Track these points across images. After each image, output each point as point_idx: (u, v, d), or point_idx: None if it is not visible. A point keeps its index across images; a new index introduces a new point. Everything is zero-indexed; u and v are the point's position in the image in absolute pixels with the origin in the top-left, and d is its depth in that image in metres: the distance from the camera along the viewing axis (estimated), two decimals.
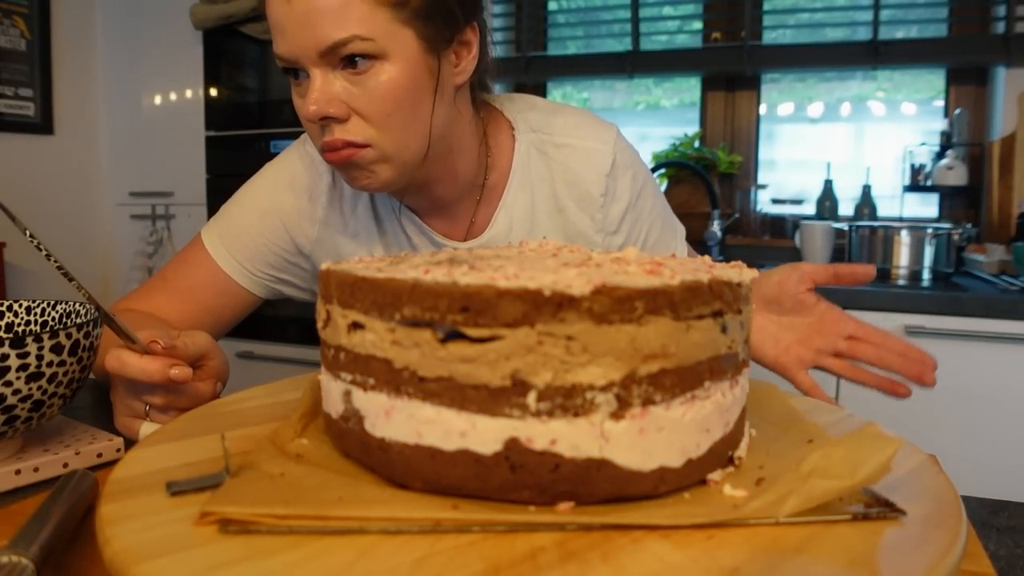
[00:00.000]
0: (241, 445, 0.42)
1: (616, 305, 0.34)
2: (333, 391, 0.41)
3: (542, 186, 0.84)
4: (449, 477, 0.35)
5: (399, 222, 0.85)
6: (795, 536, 0.33)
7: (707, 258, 0.48)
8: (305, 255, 0.86)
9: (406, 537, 0.32)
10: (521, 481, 0.34)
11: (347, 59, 0.67)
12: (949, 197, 2.22)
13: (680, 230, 0.94)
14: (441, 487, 0.36)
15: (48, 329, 0.52)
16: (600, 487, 0.35)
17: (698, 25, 2.38)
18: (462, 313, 0.34)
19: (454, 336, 0.34)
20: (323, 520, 0.32)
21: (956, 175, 2.11)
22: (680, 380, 0.36)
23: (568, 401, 0.34)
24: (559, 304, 0.33)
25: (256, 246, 0.85)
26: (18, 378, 0.49)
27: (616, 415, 0.34)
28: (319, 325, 0.43)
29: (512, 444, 0.34)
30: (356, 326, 0.38)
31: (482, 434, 0.34)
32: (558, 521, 0.33)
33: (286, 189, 0.85)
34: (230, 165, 2.34)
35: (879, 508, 0.35)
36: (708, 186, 2.23)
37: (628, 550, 0.31)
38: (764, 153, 2.43)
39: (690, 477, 0.37)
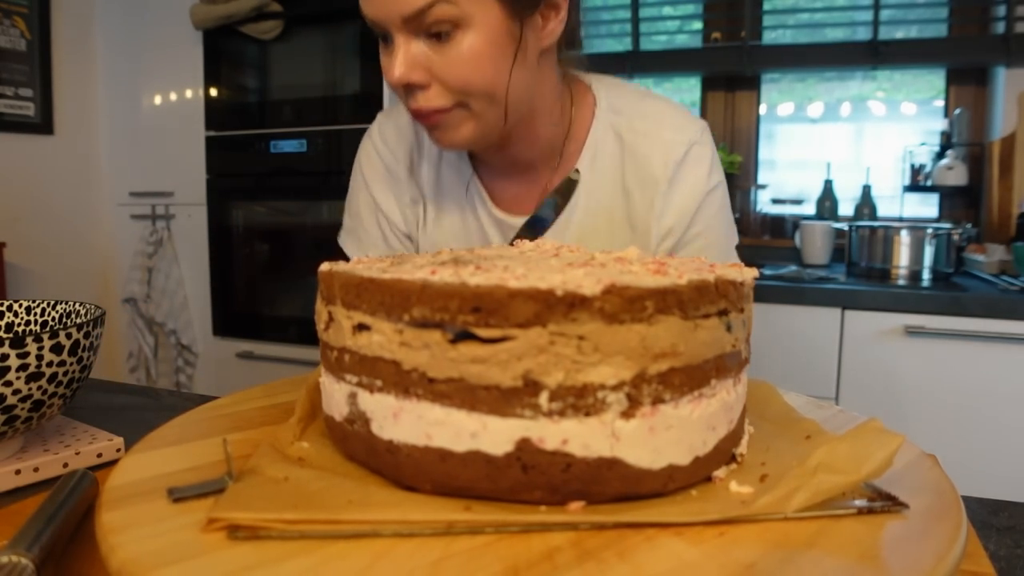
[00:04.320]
0: (241, 449, 0.42)
1: (627, 305, 0.34)
2: (336, 393, 0.40)
3: (613, 165, 0.84)
4: (460, 479, 0.35)
5: (469, 197, 0.88)
6: (804, 531, 0.33)
7: (704, 258, 0.48)
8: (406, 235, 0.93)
9: (420, 540, 0.32)
10: (533, 481, 0.34)
11: (430, 27, 0.68)
12: (949, 197, 2.22)
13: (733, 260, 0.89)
14: (452, 489, 0.35)
15: (48, 329, 0.52)
16: (611, 486, 0.35)
17: (698, 25, 2.38)
18: (473, 313, 0.33)
19: (464, 337, 0.34)
20: (334, 524, 0.32)
21: (956, 175, 2.11)
22: (688, 379, 0.36)
23: (579, 401, 0.34)
24: (571, 304, 0.33)
25: (377, 237, 0.93)
26: (18, 378, 0.49)
27: (627, 414, 0.34)
28: (320, 327, 0.42)
29: (524, 444, 0.34)
30: (362, 327, 0.38)
31: (493, 435, 0.34)
32: (571, 521, 0.33)
33: (375, 181, 0.92)
34: (230, 165, 2.34)
35: (882, 502, 0.35)
36: None
37: (643, 548, 0.31)
38: (764, 153, 2.43)
39: (697, 475, 0.37)
